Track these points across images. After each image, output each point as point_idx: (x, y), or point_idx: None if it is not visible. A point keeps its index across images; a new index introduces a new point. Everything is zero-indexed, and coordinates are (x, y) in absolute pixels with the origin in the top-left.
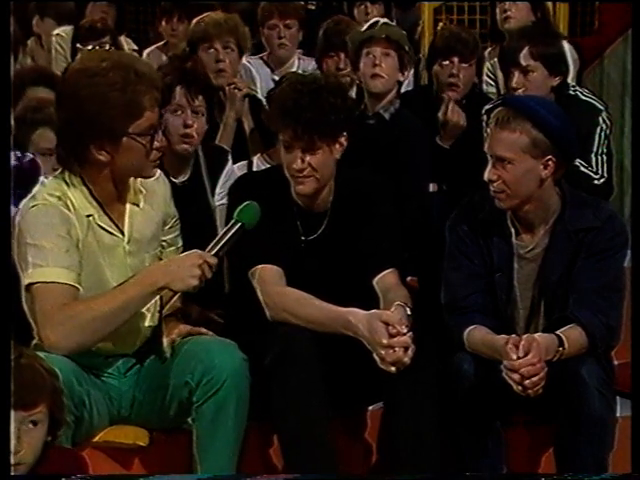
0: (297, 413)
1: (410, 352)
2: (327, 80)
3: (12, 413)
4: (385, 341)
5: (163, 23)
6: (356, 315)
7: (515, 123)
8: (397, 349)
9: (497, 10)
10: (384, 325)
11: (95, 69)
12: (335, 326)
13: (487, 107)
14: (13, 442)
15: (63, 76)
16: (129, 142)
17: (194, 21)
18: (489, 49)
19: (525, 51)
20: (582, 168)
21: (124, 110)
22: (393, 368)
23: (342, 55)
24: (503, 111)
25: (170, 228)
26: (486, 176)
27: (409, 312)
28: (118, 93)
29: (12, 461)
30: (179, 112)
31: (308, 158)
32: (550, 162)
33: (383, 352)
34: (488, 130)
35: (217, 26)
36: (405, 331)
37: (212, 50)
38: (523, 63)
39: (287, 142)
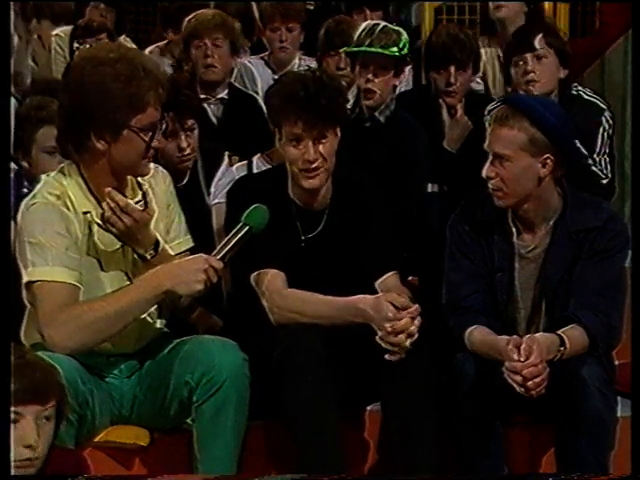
0: (308, 406)
1: (417, 322)
2: (323, 72)
3: (25, 409)
4: (391, 314)
5: (170, 34)
6: (364, 300)
7: (514, 120)
8: (404, 320)
9: None
10: (390, 303)
11: (103, 59)
12: (344, 316)
13: (490, 107)
14: (33, 438)
15: (71, 63)
16: (130, 135)
17: (186, 19)
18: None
19: (539, 37)
20: (593, 167)
21: (127, 102)
22: (402, 336)
23: (343, 55)
24: (502, 109)
25: (174, 224)
26: (484, 173)
27: None
28: (122, 85)
29: (30, 455)
30: (172, 137)
31: (320, 148)
32: (548, 160)
33: (389, 325)
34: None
35: (205, 22)
36: (411, 309)
37: (202, 46)
38: (537, 47)
39: (297, 134)
